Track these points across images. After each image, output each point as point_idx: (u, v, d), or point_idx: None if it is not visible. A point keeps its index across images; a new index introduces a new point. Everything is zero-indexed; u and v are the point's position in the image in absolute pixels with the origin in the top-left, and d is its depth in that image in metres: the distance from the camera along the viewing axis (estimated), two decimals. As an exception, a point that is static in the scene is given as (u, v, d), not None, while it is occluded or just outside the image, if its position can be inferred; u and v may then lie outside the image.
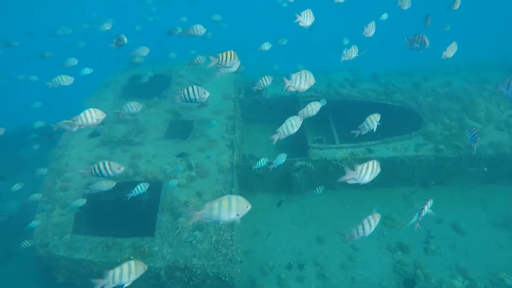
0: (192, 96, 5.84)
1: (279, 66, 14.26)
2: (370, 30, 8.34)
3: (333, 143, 10.51)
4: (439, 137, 10.33)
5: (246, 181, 9.79)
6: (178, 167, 8.82)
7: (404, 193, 10.30)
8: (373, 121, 6.59)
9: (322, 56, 17.24)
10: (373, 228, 4.94)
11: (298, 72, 5.97)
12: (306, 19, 7.51)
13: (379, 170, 4.90)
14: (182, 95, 5.86)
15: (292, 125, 5.93)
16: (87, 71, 10.16)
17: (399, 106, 11.52)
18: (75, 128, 5.97)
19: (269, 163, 8.48)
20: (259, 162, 8.42)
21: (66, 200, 8.40)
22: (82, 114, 5.78)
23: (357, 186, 9.94)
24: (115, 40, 8.13)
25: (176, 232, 7.95)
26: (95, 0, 27.32)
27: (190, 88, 5.87)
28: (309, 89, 12.08)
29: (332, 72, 13.67)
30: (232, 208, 3.95)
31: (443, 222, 9.50)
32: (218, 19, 14.48)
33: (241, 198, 4.06)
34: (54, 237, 7.78)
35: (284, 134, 5.98)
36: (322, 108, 10.87)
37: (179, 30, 9.75)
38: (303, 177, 9.71)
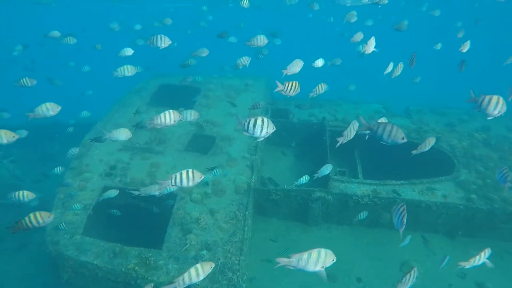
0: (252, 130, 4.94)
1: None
2: (369, 47, 8.03)
3: (356, 177, 10.10)
4: (472, 185, 9.69)
5: (261, 205, 9.53)
6: (215, 171, 8.80)
7: (426, 240, 9.68)
8: (352, 129, 6.24)
9: (359, 84, 16.85)
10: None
11: (290, 82, 5.99)
12: (370, 46, 7.77)
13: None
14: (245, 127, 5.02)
15: (355, 128, 6.11)
16: (139, 69, 10.37)
17: (431, 147, 10.97)
18: (155, 126, 6.13)
19: (311, 179, 8.50)
20: (301, 179, 8.49)
21: (81, 200, 8.44)
22: (162, 115, 6.02)
23: (375, 225, 9.58)
24: (151, 39, 8.07)
25: (184, 249, 7.79)
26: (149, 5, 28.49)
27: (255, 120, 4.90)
28: (337, 120, 12.01)
29: (363, 102, 13.37)
30: (320, 261, 4.13)
31: (466, 278, 8.80)
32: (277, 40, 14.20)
33: (329, 252, 4.17)
34: (65, 235, 7.81)
35: (347, 137, 6.13)
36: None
37: (232, 39, 9.91)
38: (320, 208, 9.34)
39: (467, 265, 5.83)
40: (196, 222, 8.26)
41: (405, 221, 5.22)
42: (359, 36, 9.40)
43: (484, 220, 9.33)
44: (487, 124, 12.20)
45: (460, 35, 9.39)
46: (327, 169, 8.28)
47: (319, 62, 9.35)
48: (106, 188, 8.76)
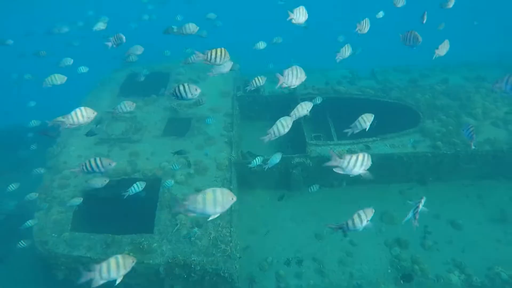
0: (184, 94, 5.80)
1: (274, 64, 14.24)
2: (364, 27, 8.23)
3: (331, 140, 10.55)
4: (437, 134, 10.38)
5: (244, 178, 9.82)
6: (174, 165, 8.84)
7: (401, 190, 10.37)
8: (366, 121, 6.52)
9: (319, 53, 17.21)
10: (364, 223, 4.70)
11: (290, 68, 5.97)
12: (299, 16, 7.27)
13: (369, 163, 4.68)
14: (174, 92, 5.82)
15: (283, 125, 5.91)
16: (83, 69, 10.15)
17: (396, 103, 11.58)
18: (66, 126, 5.84)
19: (265, 161, 8.41)
20: (254, 160, 8.40)
21: (64, 198, 8.40)
22: (73, 113, 5.69)
23: (355, 182, 10.13)
24: (112, 39, 8.13)
25: (175, 229, 7.97)
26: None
27: (181, 86, 5.81)
28: (307, 87, 12.37)
29: (329, 69, 13.72)
30: (217, 201, 3.82)
31: (440, 218, 9.57)
32: (213, 17, 14.42)
33: (226, 191, 3.93)
34: (53, 234, 7.79)
35: (275, 134, 5.95)
36: (320, 105, 10.99)
37: (175, 29, 9.75)
38: (301, 174, 9.75)
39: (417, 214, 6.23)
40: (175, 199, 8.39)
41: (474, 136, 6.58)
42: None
43: (450, 164, 10.08)
44: (445, 77, 12.93)
45: None
46: (276, 157, 8.26)
47: (261, 45, 9.73)
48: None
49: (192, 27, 8.11)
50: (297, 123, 10.98)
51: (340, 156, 4.67)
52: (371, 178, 4.88)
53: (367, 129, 6.63)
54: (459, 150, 9.92)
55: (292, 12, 7.32)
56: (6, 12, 27.21)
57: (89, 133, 8.77)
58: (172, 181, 8.70)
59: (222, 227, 8.02)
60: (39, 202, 8.51)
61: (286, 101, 11.93)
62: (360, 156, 4.65)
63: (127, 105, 7.62)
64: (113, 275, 4.36)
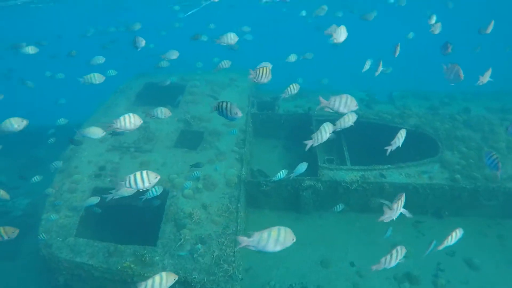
0: (224, 112, 5.47)
1: (303, 79, 14.20)
2: (340, 35, 7.51)
3: (344, 164, 10.29)
4: (456, 166, 9.98)
5: (253, 197, 9.65)
6: (187, 183, 8.85)
7: (415, 222, 9.95)
8: (401, 138, 6.57)
9: (340, 73, 17.11)
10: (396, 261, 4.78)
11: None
12: (340, 35, 7.35)
13: (354, 104, 5.35)
14: (217, 107, 5.51)
15: (326, 131, 6.06)
16: (112, 72, 10.30)
17: (414, 131, 11.24)
18: (115, 130, 6.01)
19: (289, 174, 8.41)
20: (279, 174, 8.38)
21: (73, 202, 8.41)
22: (122, 118, 5.83)
23: (366, 210, 9.79)
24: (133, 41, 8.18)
25: (179, 244, 7.84)
26: (123, 5, 28.08)
27: (224, 104, 5.48)
28: (321, 109, 12.15)
29: (347, 90, 13.54)
30: (280, 240, 3.99)
31: (455, 256, 9.09)
32: (247, 30, 14.46)
33: (288, 230, 4.06)
34: (58, 238, 7.78)
35: (317, 140, 6.14)
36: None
37: (204, 38, 9.89)
38: (311, 197, 9.50)
39: (441, 246, 6.01)
40: (189, 217, 8.31)
41: (500, 165, 5.89)
42: (334, 28, 9.45)
43: (469, 198, 9.64)
44: (467, 106, 12.54)
45: (432, 21, 9.62)
46: (302, 167, 8.21)
47: (292, 58, 9.62)
48: (96, 189, 8.75)
49: (232, 37, 7.98)
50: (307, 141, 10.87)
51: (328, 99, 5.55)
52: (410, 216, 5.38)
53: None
54: (480, 185, 9.49)
55: (329, 29, 7.68)
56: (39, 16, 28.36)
57: (75, 142, 8.78)
58: (190, 184, 8.78)
59: (226, 246, 7.84)
60: (48, 204, 8.55)
61: (301, 120, 11.80)
62: (344, 97, 5.37)
63: (163, 112, 7.58)
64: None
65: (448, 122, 11.55)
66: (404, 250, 4.93)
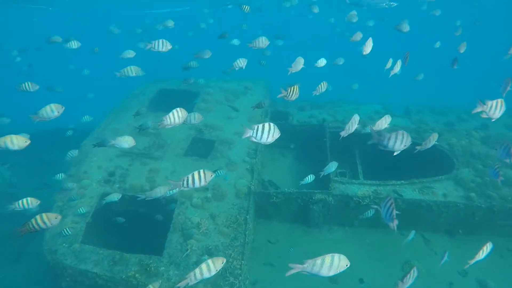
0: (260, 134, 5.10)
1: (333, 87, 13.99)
2: (367, 47, 8.16)
3: (356, 178, 10.07)
4: (471, 184, 9.69)
5: (262, 208, 9.49)
6: (219, 172, 8.73)
7: (427, 239, 9.68)
8: (354, 123, 6.67)
9: (362, 83, 16.79)
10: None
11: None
12: (367, 47, 8.02)
13: (409, 141, 5.22)
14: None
15: (355, 121, 6.48)
16: (140, 72, 10.32)
17: (430, 146, 10.96)
18: (164, 126, 6.06)
19: (317, 177, 8.61)
20: (307, 178, 8.52)
21: (80, 207, 8.36)
22: (170, 114, 5.95)
23: (376, 226, 9.57)
24: (152, 43, 8.00)
25: (185, 254, 7.74)
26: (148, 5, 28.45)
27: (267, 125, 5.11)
28: (337, 121, 12.00)
29: (363, 103, 13.37)
30: (334, 266, 4.12)
31: (468, 277, 8.79)
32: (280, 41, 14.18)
33: (342, 257, 4.15)
34: (64, 244, 7.73)
35: (348, 131, 6.55)
36: (348, 140, 10.55)
37: (235, 41, 9.88)
38: (321, 210, 9.30)
39: (471, 262, 6.13)
40: (197, 227, 8.21)
41: (394, 214, 5.28)
42: (358, 36, 9.47)
43: (483, 218, 9.33)
44: (485, 123, 12.22)
45: (458, 33, 9.52)
46: (332, 166, 8.32)
47: (321, 62, 9.46)
48: (105, 195, 8.70)
49: (264, 41, 8.10)
50: (323, 156, 10.72)
51: (379, 133, 5.21)
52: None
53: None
54: (495, 205, 9.18)
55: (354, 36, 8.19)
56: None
57: (142, 127, 8.67)
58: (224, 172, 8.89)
59: (234, 259, 7.72)
60: (55, 208, 8.53)
61: (314, 131, 11.64)
62: (400, 134, 5.14)
63: (196, 117, 7.56)
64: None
65: (464, 139, 11.26)
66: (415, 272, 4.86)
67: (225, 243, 8.00)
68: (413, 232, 8.52)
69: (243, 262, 7.66)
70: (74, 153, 9.37)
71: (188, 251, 7.79)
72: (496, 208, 9.19)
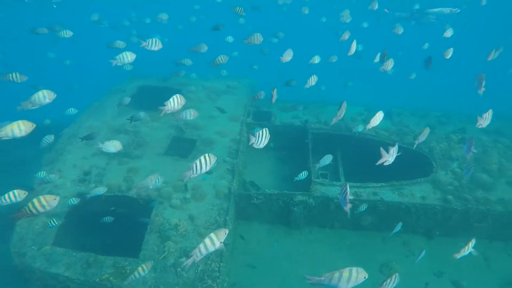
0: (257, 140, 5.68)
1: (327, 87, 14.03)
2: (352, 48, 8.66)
3: (338, 180, 10.08)
4: (449, 187, 9.87)
5: (243, 210, 9.36)
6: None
7: (405, 241, 9.80)
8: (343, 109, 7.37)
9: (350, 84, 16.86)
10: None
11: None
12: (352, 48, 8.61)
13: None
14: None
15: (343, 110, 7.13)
16: (128, 67, 10.19)
17: (409, 149, 11.11)
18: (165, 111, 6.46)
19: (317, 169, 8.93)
20: (301, 174, 8.67)
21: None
22: (171, 99, 6.34)
23: (357, 227, 9.63)
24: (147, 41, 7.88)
25: (162, 256, 7.55)
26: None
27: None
28: (320, 122, 11.98)
29: (347, 104, 13.39)
30: (352, 279, 4.18)
31: (443, 277, 8.96)
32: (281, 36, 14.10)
33: (361, 270, 4.21)
34: (33, 247, 7.39)
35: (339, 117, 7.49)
36: (330, 141, 10.57)
37: (230, 39, 9.75)
38: (302, 212, 9.26)
39: (457, 256, 6.52)
40: (175, 229, 8.02)
41: (348, 199, 5.75)
42: (347, 34, 9.70)
43: (459, 220, 9.52)
44: (464, 126, 12.48)
45: (448, 34, 9.75)
46: (327, 159, 8.47)
47: (316, 59, 9.66)
48: (79, 195, 8.38)
49: (258, 37, 8.27)
50: (304, 158, 10.69)
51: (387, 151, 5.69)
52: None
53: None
54: (470, 207, 9.38)
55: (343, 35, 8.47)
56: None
57: (133, 118, 8.46)
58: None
59: (212, 261, 7.57)
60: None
61: (296, 132, 11.59)
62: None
63: (192, 114, 7.61)
64: (204, 170, 5.26)
65: (443, 142, 11.46)
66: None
67: (204, 245, 7.83)
68: (400, 223, 8.73)
69: (221, 264, 7.53)
70: (50, 138, 8.90)
71: (166, 253, 7.60)
72: (472, 211, 9.39)
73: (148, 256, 7.52)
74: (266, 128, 5.73)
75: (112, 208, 8.67)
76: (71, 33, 10.18)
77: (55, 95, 6.23)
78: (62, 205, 8.19)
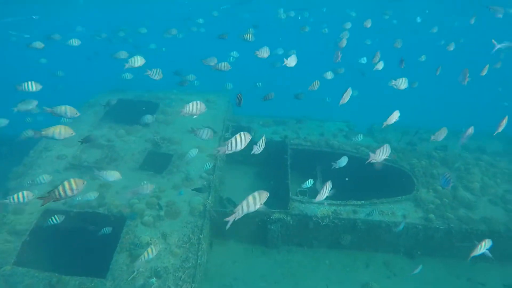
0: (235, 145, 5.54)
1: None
2: (400, 84, 8.82)
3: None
4: (430, 205, 9.71)
5: (218, 227, 9.04)
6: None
7: (386, 261, 9.55)
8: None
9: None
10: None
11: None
12: (292, 62, 8.61)
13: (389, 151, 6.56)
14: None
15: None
16: (128, 76, 10.53)
17: (390, 166, 11.00)
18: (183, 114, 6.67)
19: (314, 184, 8.98)
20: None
21: (16, 225, 7.66)
22: (190, 104, 6.58)
23: (336, 247, 9.37)
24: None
25: (131, 277, 7.19)
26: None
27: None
28: (299, 138, 11.86)
29: (328, 120, 13.33)
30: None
31: (426, 298, 8.71)
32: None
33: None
34: (-8, 266, 6.99)
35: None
36: (310, 157, 10.39)
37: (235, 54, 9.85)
38: (279, 230, 8.99)
39: (474, 253, 6.37)
40: (146, 247, 7.68)
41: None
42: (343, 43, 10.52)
43: (441, 239, 9.33)
44: (445, 144, 12.44)
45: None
46: (343, 161, 8.79)
47: (329, 75, 10.43)
48: (47, 212, 8.03)
49: (267, 51, 8.61)
50: (283, 174, 10.48)
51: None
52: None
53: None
54: (453, 226, 9.21)
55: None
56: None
57: (85, 140, 8.28)
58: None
59: (183, 281, 7.26)
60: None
61: (276, 148, 11.41)
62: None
63: (208, 133, 7.68)
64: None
65: (425, 159, 11.37)
66: None
67: (175, 265, 7.52)
68: (404, 221, 8.93)
69: (193, 285, 7.21)
70: (29, 133, 8.79)
71: (135, 273, 7.26)
72: (454, 230, 9.22)
73: (116, 276, 7.17)
74: (242, 133, 5.53)
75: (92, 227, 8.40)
76: (79, 42, 10.58)
77: (41, 86, 6.77)
78: (27, 222, 7.86)
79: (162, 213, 8.44)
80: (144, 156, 10.07)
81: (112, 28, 18.77)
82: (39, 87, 7.58)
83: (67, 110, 6.39)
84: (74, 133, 5.92)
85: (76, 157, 9.38)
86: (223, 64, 8.97)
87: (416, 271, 8.39)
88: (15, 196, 6.27)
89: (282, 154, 10.91)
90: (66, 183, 4.91)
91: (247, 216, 8.86)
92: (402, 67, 9.74)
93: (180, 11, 27.50)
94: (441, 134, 7.94)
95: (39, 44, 10.10)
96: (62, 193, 4.89)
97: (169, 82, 11.74)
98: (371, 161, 6.83)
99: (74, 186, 4.93)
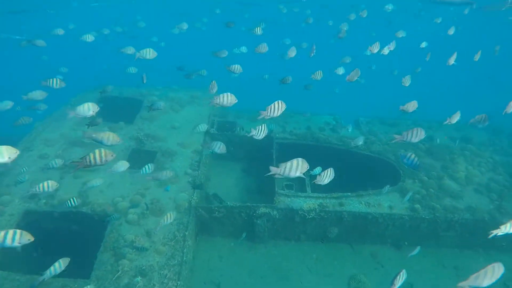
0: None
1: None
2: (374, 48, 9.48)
3: (303, 191, 9.84)
4: (416, 195, 9.77)
5: (204, 224, 9.01)
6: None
7: (373, 252, 9.61)
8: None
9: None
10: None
11: (273, 104, 6.12)
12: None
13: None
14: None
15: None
16: (132, 70, 10.48)
17: (377, 157, 11.03)
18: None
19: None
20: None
21: (-4, 227, 7.50)
22: (221, 96, 6.58)
23: (324, 239, 9.39)
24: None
25: (116, 276, 7.11)
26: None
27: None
28: (285, 132, 11.82)
29: (315, 114, 13.29)
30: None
31: (413, 288, 8.78)
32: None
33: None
34: (-30, 271, 6.85)
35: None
36: (296, 151, 10.34)
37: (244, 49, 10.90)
38: (266, 225, 8.97)
39: (499, 232, 5.68)
40: (131, 246, 7.61)
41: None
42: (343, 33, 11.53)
43: (427, 229, 9.41)
44: (431, 134, 12.52)
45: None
46: (360, 140, 9.59)
47: (340, 71, 10.98)
48: (27, 213, 7.90)
49: (265, 47, 9.05)
50: (268, 168, 10.41)
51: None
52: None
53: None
54: (438, 216, 9.29)
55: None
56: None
57: (91, 123, 8.46)
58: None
59: (169, 279, 7.20)
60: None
61: (262, 143, 11.31)
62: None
63: (220, 147, 8.31)
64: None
65: (410, 150, 11.40)
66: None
67: (160, 263, 7.46)
68: (410, 193, 9.37)
69: (179, 283, 7.16)
70: (25, 120, 9.05)
71: (119, 272, 7.18)
72: (439, 219, 9.29)
73: (101, 276, 7.09)
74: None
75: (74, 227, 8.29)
76: (93, 37, 10.80)
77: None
78: (7, 224, 7.71)
79: (146, 210, 8.35)
80: (128, 153, 9.94)
81: (107, 25, 18.50)
82: (63, 84, 8.09)
83: (90, 107, 6.67)
84: (121, 141, 6.26)
85: (59, 156, 9.22)
86: (235, 66, 9.11)
87: (414, 252, 8.49)
88: (41, 185, 6.68)
89: (268, 149, 10.86)
90: (97, 151, 5.24)
91: (232, 211, 8.92)
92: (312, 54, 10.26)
93: (177, 6, 27.17)
94: (455, 117, 8.18)
95: (40, 42, 10.34)
96: (92, 160, 5.22)
97: (168, 78, 11.63)
98: (398, 141, 6.79)
99: (103, 155, 5.26)
